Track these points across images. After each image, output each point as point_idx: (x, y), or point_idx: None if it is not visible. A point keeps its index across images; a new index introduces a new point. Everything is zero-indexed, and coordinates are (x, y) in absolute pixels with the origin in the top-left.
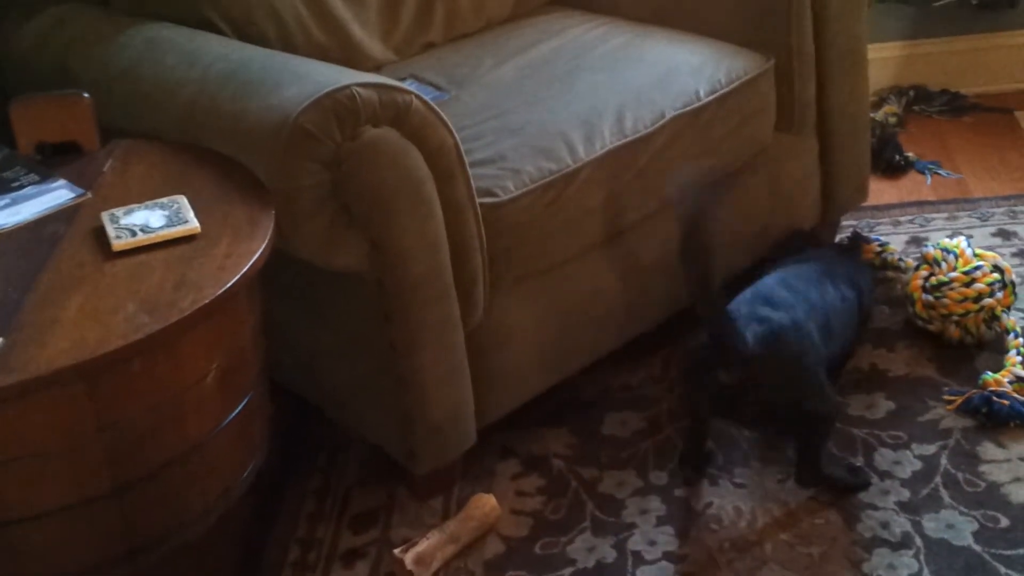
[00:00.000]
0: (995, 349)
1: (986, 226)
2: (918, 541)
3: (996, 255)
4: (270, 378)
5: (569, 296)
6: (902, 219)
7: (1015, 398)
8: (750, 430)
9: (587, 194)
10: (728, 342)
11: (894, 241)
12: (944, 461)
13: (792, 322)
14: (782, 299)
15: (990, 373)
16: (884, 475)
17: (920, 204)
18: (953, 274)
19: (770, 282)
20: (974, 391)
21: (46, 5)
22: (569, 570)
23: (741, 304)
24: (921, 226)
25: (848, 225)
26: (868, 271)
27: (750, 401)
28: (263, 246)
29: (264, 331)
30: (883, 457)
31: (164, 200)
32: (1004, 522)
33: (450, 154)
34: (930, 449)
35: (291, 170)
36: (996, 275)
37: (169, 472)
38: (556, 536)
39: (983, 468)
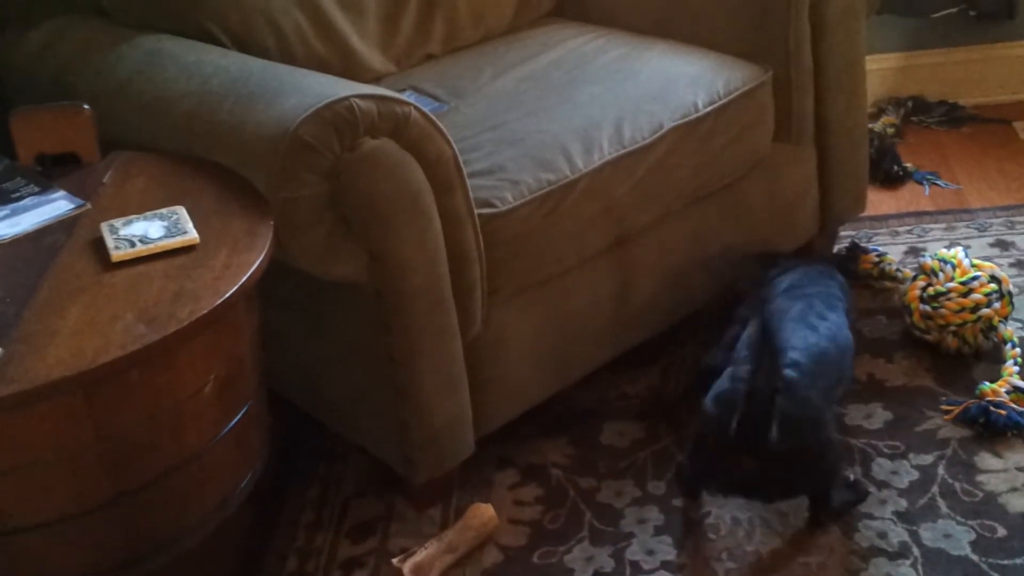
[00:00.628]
0: (992, 359)
1: (984, 236)
2: (915, 551)
3: (994, 265)
4: (269, 388)
5: (567, 306)
6: (900, 229)
7: (1012, 408)
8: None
9: (585, 205)
10: (752, 432)
11: (892, 251)
12: (941, 471)
13: (807, 404)
14: (792, 372)
15: (987, 383)
16: (881, 485)
17: (918, 214)
18: (951, 284)
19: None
20: (971, 401)
21: (46, 17)
22: None
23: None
24: (919, 236)
25: (846, 235)
26: (846, 287)
27: (767, 484)
28: (261, 257)
29: (262, 341)
30: (880, 467)
31: (163, 211)
32: (1001, 532)
33: (448, 165)
34: (927, 459)
35: (290, 181)
36: (993, 285)
37: (168, 481)
38: (554, 546)
39: (980, 478)
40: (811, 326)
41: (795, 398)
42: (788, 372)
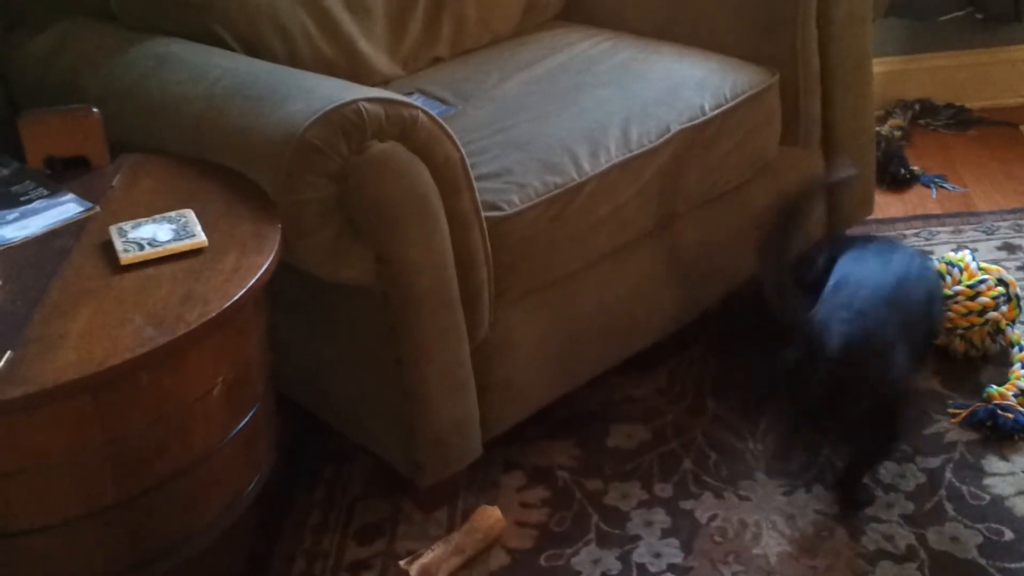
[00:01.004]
0: (1000, 362)
1: (991, 239)
2: (922, 554)
3: (1001, 268)
4: (276, 391)
5: (574, 309)
6: (907, 233)
7: (1020, 411)
8: (837, 444)
9: (592, 208)
10: (814, 348)
11: None
12: (948, 474)
13: (873, 324)
14: (861, 299)
15: (995, 386)
16: (888, 488)
17: (925, 218)
18: (958, 287)
19: (845, 280)
20: (979, 404)
21: (54, 20)
22: None
23: (822, 309)
24: (926, 240)
25: None
26: None
27: (838, 408)
28: (269, 260)
29: (270, 344)
30: (887, 470)
31: (172, 214)
32: (1008, 535)
33: (456, 168)
34: (935, 462)
35: (297, 184)
36: (1001, 288)
37: (175, 484)
38: (561, 548)
39: (987, 481)
40: (881, 264)
41: (864, 329)
42: (858, 304)
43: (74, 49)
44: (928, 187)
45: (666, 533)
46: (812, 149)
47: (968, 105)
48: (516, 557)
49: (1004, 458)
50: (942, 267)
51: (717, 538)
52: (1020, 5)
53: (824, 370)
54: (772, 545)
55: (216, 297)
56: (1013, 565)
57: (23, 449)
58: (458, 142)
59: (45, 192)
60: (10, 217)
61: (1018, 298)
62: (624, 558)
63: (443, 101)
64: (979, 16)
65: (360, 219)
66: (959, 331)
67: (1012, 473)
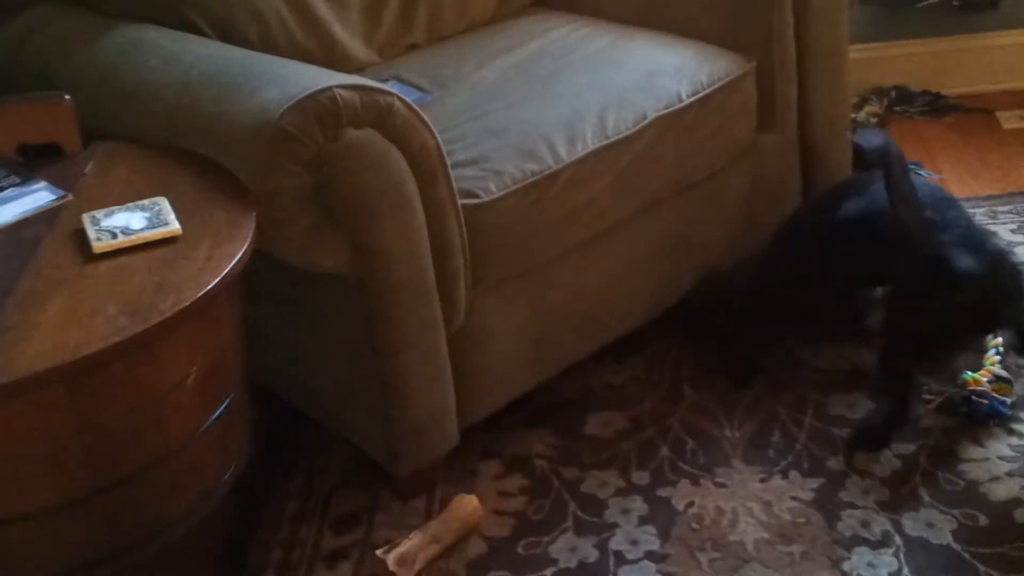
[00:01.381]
0: (974, 349)
1: None
2: (897, 540)
3: None
4: (254, 380)
5: (552, 297)
6: None
7: (994, 397)
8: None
9: (569, 195)
10: (951, 267)
11: None
12: (924, 460)
13: (962, 235)
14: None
15: (970, 372)
16: (864, 474)
17: None
18: None
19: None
20: (954, 390)
21: (26, 6)
22: (551, 570)
23: None
24: None
25: None
26: None
27: (987, 313)
28: (244, 248)
29: (246, 333)
30: (863, 456)
31: (145, 202)
32: (983, 520)
33: (432, 155)
34: (910, 448)
35: (273, 172)
36: None
37: (151, 474)
38: (538, 536)
39: (962, 467)
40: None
41: (963, 241)
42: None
43: (46, 35)
44: None
45: (643, 520)
46: (788, 136)
47: (944, 92)
48: (493, 545)
49: (979, 444)
50: None
51: (694, 525)
52: None
53: (964, 289)
54: (749, 532)
55: (190, 286)
56: (988, 550)
57: None
58: (434, 129)
59: (16, 180)
60: None
61: None
62: (601, 546)
63: (419, 88)
64: (955, 3)
65: (336, 207)
66: None
67: (987, 459)
